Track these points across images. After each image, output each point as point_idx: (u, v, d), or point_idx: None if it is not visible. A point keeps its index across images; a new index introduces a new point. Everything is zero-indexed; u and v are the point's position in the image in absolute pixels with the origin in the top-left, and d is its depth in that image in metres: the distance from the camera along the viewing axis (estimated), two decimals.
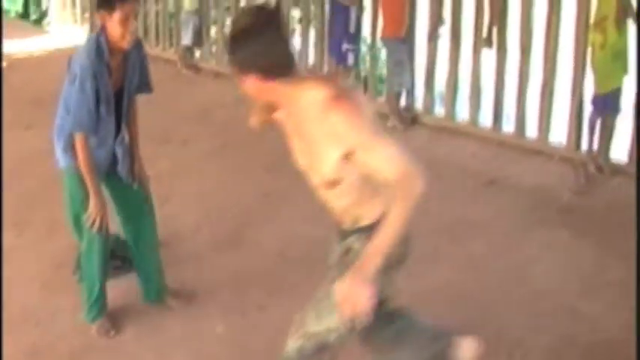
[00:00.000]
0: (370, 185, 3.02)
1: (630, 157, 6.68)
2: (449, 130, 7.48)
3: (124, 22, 3.97)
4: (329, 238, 5.29)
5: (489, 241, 5.47)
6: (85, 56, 4.07)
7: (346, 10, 7.77)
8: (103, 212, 4.38)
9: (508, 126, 7.43)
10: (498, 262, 5.28)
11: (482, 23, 7.35)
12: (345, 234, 3.27)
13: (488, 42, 7.34)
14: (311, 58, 8.45)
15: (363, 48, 8.71)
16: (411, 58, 7.73)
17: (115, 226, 5.26)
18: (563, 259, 5.34)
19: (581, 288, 5.00)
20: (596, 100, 6.57)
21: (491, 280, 5.08)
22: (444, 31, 7.71)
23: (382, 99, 8.09)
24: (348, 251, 3.24)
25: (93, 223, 4.36)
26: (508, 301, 4.91)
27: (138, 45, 4.32)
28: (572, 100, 6.89)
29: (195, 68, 9.19)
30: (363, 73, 8.51)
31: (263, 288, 5.01)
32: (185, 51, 9.17)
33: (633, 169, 6.53)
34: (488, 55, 7.38)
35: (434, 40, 7.70)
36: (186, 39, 9.04)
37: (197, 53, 9.38)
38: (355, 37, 7.91)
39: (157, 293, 4.82)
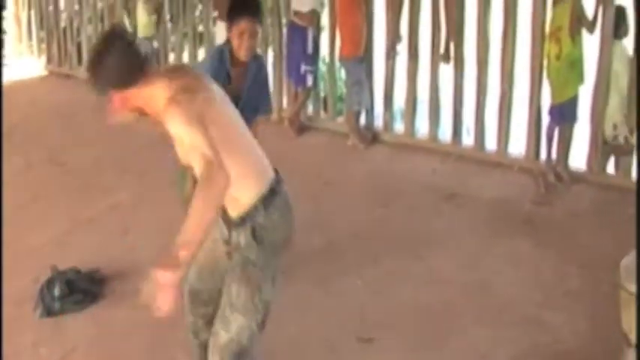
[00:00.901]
0: (235, 169, 3.06)
1: (588, 165, 6.75)
2: (409, 146, 7.51)
3: (240, 35, 4.61)
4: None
5: (452, 255, 5.48)
6: (208, 57, 5.04)
7: (304, 31, 7.80)
8: None
9: (468, 140, 7.47)
10: (462, 275, 5.29)
11: (439, 39, 7.40)
12: (228, 223, 3.39)
13: (446, 57, 7.40)
14: (270, 81, 8.41)
15: (323, 67, 8.74)
16: (369, 76, 7.76)
17: (75, 259, 5.25)
18: (525, 270, 5.37)
19: (544, 298, 5.02)
20: (553, 110, 6.64)
21: (455, 294, 5.09)
22: (402, 48, 7.74)
23: (342, 118, 8.11)
24: (235, 249, 3.38)
25: None
26: (473, 314, 4.93)
27: (259, 63, 4.96)
28: (530, 110, 6.95)
29: None
30: (322, 93, 8.51)
31: None
32: None
33: (592, 177, 6.62)
34: (446, 70, 7.43)
35: (392, 58, 7.73)
36: None
37: None
38: (313, 58, 7.94)
39: None
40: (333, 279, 5.34)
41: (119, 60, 3.13)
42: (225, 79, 4.56)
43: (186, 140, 3.05)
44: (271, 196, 3.34)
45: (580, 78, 6.60)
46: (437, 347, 4.68)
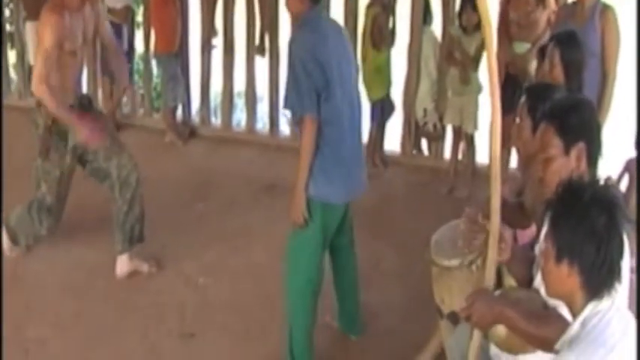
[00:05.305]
0: None
1: (402, 148, 6.92)
2: (226, 140, 7.48)
3: None
4: (109, 264, 5.23)
5: (270, 246, 5.45)
6: None
7: (118, 28, 7.59)
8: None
9: (286, 130, 7.53)
10: (280, 266, 5.29)
11: (254, 32, 7.40)
12: None
13: (261, 50, 7.41)
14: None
15: (141, 64, 8.58)
16: (185, 71, 7.67)
17: None
18: None
19: (362, 279, 5.04)
20: (372, 107, 6.76)
21: (273, 285, 5.07)
22: (217, 41, 7.70)
23: (159, 115, 8.00)
24: None
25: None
26: None
27: None
28: None
29: None
30: (141, 91, 8.36)
31: (45, 322, 4.84)
32: None
33: (405, 160, 6.81)
34: (262, 63, 7.45)
35: (207, 52, 7.68)
36: None
37: None
38: (129, 55, 7.76)
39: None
40: (151, 276, 5.27)
41: None
42: None
43: None
44: None
45: (386, 83, 6.78)
46: (259, 338, 4.69)
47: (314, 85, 3.91)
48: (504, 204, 3.10)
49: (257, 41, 7.42)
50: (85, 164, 5.14)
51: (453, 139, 6.54)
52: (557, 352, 2.41)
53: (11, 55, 8.82)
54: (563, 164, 2.93)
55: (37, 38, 4.89)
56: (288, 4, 4.11)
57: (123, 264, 5.23)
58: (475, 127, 6.33)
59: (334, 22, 4.40)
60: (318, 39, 3.98)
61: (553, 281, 2.40)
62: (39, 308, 4.96)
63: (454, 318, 3.54)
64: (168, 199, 6.20)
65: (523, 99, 3.67)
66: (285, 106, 4.09)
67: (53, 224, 5.21)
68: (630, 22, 5.28)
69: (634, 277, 2.87)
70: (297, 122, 4.09)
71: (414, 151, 7.04)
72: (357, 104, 4.24)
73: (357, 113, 4.22)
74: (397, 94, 6.97)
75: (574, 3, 5.14)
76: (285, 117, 7.69)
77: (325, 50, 3.96)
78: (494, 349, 3.02)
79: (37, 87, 4.72)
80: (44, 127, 4.89)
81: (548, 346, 2.51)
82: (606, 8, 4.94)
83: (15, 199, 5.40)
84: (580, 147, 2.93)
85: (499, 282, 3.29)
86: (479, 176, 6.07)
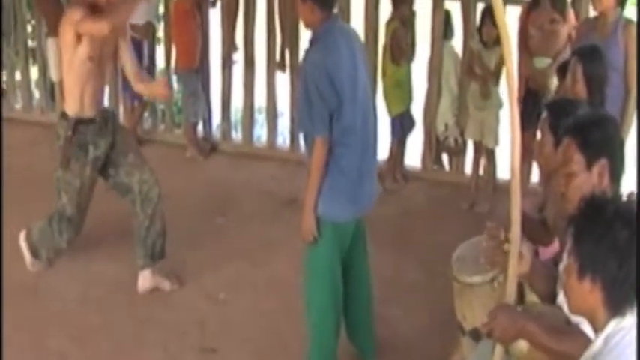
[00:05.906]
0: None
1: (423, 163, 6.91)
2: (247, 155, 7.49)
3: None
4: (130, 278, 5.25)
5: (290, 260, 5.47)
6: None
7: (138, 44, 7.64)
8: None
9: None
10: (299, 281, 5.30)
11: (274, 47, 7.42)
12: None
13: (282, 65, 7.43)
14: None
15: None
16: (206, 87, 7.70)
17: None
18: None
19: (383, 294, 5.06)
20: (393, 122, 6.76)
21: (294, 297, 5.08)
22: (238, 57, 7.74)
23: (180, 130, 8.04)
24: None
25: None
26: None
27: None
28: None
29: None
30: (161, 106, 8.39)
31: (66, 335, 4.86)
32: None
33: (426, 175, 6.79)
34: (283, 79, 7.46)
35: (228, 67, 7.71)
36: None
37: None
38: (150, 72, 7.80)
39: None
40: (172, 291, 5.28)
41: None
42: None
43: None
44: None
45: (406, 98, 6.77)
46: (280, 353, 4.69)
47: (327, 107, 3.93)
48: (526, 220, 3.09)
49: (277, 57, 7.45)
50: (108, 178, 5.19)
51: (474, 154, 6.54)
52: None
53: (33, 71, 8.88)
54: (585, 180, 2.91)
55: (61, 42, 4.94)
56: (300, 15, 4.16)
57: (145, 279, 5.25)
58: (496, 142, 6.31)
59: (348, 30, 4.38)
60: (331, 56, 3.97)
61: (575, 297, 2.38)
62: (60, 321, 4.97)
63: (476, 335, 3.52)
64: (189, 214, 6.22)
65: (545, 114, 3.66)
66: (300, 129, 4.09)
67: (73, 236, 5.26)
68: None
69: None
70: (308, 144, 4.11)
71: (435, 167, 7.04)
72: (372, 113, 4.23)
73: (371, 123, 4.21)
74: (418, 109, 6.97)
75: (595, 17, 5.13)
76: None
77: (338, 64, 3.96)
78: None
79: (102, 25, 4.69)
80: (65, 138, 4.95)
81: None
82: (629, 23, 4.93)
83: (37, 214, 5.43)
84: (602, 163, 2.90)
85: (521, 299, 3.28)
86: (500, 191, 6.05)
